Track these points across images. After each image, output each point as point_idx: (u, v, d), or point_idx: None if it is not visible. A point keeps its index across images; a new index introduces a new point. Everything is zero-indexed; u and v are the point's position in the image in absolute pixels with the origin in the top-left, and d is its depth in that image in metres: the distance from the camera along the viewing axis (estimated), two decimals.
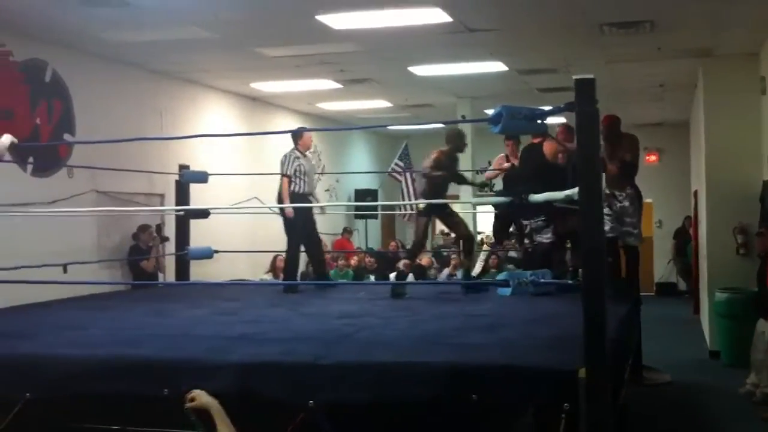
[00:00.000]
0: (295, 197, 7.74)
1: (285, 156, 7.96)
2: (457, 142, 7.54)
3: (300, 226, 7.91)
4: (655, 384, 8.40)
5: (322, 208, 8.93)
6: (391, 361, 4.11)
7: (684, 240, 16.48)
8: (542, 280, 5.08)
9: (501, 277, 5.06)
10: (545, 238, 7.41)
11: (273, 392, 4.08)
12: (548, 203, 5.64)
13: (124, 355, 4.32)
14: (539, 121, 4.38)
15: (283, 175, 7.87)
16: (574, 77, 3.91)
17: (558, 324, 4.98)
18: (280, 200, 7.96)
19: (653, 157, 17.21)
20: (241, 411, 4.10)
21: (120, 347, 4.51)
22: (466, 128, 13.01)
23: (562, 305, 5.68)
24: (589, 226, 3.89)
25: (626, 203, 7.49)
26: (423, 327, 5.15)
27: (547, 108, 4.33)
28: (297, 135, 8.05)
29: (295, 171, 7.83)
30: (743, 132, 9.81)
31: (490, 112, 14.86)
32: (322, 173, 14.98)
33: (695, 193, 13.70)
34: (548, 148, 7.52)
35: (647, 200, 11.99)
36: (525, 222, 7.07)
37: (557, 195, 4.58)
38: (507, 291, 5.02)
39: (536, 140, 7.76)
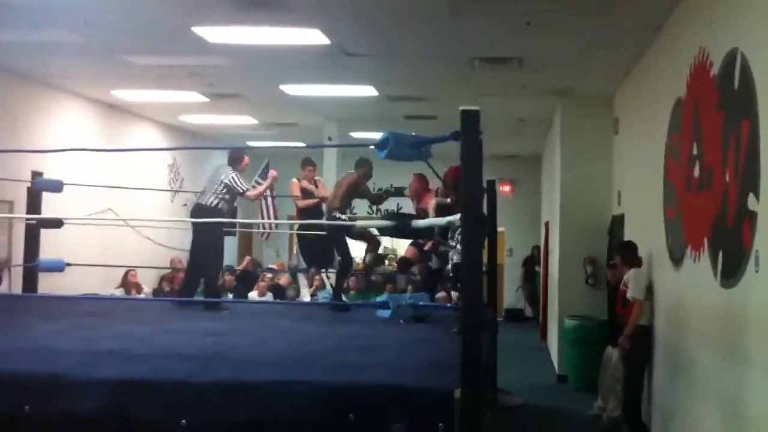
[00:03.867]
0: (224, 215, 7.63)
1: (231, 179, 7.64)
2: (368, 169, 7.80)
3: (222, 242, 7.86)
4: (508, 406, 8.70)
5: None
6: (267, 379, 4.07)
7: (532, 268, 17.22)
8: (421, 303, 5.18)
9: (381, 299, 5.12)
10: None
11: (145, 411, 3.97)
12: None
13: None
14: (422, 148, 4.53)
15: (242, 193, 7.67)
16: (461, 108, 4.04)
17: (432, 346, 5.09)
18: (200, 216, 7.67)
19: (507, 188, 17.84)
20: (111, 430, 3.98)
21: None
22: (333, 151, 13.20)
23: (433, 328, 5.81)
24: (469, 255, 4.02)
25: None
26: (298, 347, 5.13)
27: (431, 136, 4.47)
28: (236, 157, 7.89)
29: (228, 190, 7.63)
30: (596, 168, 10.37)
31: (355, 134, 15.06)
32: (179, 190, 14.66)
33: (546, 223, 14.34)
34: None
35: (500, 229, 12.44)
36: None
37: (440, 221, 4.70)
38: (386, 313, 5.10)
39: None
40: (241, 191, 7.67)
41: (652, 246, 7.36)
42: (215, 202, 7.63)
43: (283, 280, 13.74)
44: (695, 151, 5.81)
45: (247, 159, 8.01)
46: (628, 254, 7.58)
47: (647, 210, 7.63)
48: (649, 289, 7.32)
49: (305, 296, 9.93)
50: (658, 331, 7.19)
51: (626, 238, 8.60)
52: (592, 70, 8.93)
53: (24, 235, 8.54)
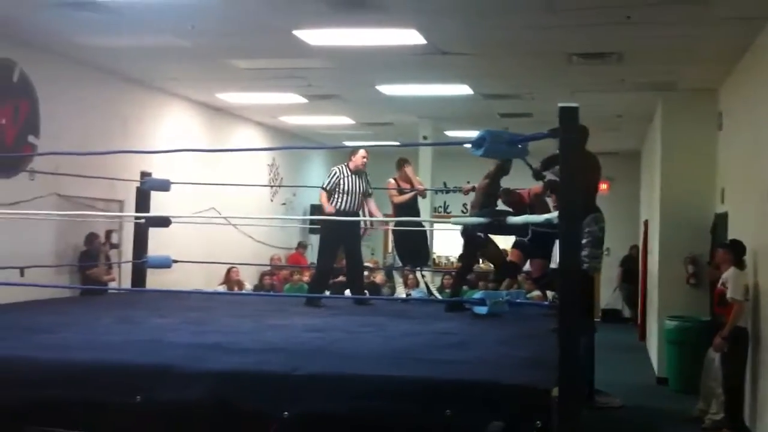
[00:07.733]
0: (340, 213, 7.72)
1: (331, 170, 7.94)
2: (506, 165, 7.61)
3: (334, 241, 7.90)
4: (607, 407, 8.57)
5: (365, 224, 8.62)
6: (367, 374, 4.16)
7: (630, 268, 16.84)
8: (517, 300, 5.18)
9: (477, 296, 5.16)
10: None
11: (249, 402, 4.09)
12: None
13: (104, 360, 4.29)
14: (519, 146, 4.55)
15: (321, 188, 7.91)
16: (559, 105, 4.04)
17: (528, 343, 5.10)
18: (320, 212, 8.08)
19: (604, 186, 17.43)
20: (216, 420, 4.15)
21: (97, 352, 4.48)
22: (427, 149, 13.27)
23: (528, 325, 5.80)
24: (566, 250, 4.01)
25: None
26: (394, 343, 5.21)
27: (528, 134, 4.48)
28: (350, 152, 8.00)
29: (335, 187, 7.78)
30: (698, 165, 10.08)
31: (450, 133, 15.05)
32: (279, 186, 15.02)
33: (645, 222, 14.03)
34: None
35: None
36: None
37: (537, 218, 4.71)
38: (483, 310, 5.14)
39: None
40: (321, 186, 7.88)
41: (757, 245, 7.15)
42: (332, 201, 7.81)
43: (378, 278, 13.92)
44: None
45: (358, 156, 7.85)
46: (737, 254, 7.37)
47: (752, 208, 7.41)
48: (748, 291, 7.11)
49: (400, 294, 10.05)
50: (764, 332, 6.98)
51: (730, 236, 8.35)
52: (694, 63, 8.70)
53: (133, 233, 8.93)
